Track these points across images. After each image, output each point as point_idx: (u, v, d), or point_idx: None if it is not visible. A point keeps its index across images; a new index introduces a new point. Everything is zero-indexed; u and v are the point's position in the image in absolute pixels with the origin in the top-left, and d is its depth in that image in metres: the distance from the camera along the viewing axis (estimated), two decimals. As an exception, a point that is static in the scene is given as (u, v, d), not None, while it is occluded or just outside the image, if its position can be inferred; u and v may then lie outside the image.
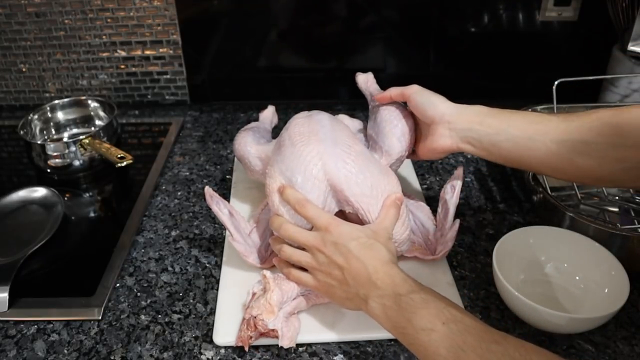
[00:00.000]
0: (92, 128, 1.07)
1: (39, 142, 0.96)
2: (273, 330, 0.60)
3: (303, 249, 0.64)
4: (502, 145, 0.65)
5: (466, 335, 0.49)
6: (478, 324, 0.51)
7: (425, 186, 0.91)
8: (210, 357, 0.63)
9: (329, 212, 0.66)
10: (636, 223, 0.79)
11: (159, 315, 0.68)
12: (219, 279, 0.72)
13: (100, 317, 0.68)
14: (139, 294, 0.72)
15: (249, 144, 0.80)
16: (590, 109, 0.63)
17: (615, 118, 0.59)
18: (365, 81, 0.85)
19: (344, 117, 0.86)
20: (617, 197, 0.84)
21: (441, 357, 0.49)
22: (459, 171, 0.73)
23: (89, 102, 1.07)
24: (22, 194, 0.87)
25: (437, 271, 0.72)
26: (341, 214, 0.68)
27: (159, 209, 0.88)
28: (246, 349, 0.62)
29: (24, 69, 1.17)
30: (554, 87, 0.83)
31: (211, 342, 0.64)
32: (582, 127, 0.60)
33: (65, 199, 0.90)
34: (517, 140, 0.64)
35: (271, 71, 1.17)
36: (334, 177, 0.64)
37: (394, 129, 0.73)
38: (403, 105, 0.76)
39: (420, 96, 0.70)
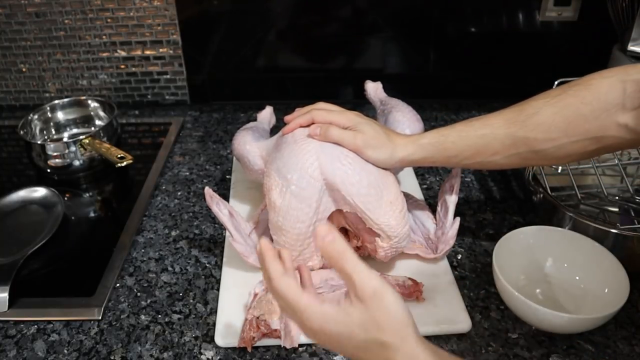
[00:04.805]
0: (92, 128, 1.07)
1: (39, 142, 0.96)
2: (276, 330, 0.60)
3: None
4: (459, 164, 0.68)
5: None
6: None
7: (425, 186, 0.91)
8: (210, 357, 0.63)
9: (325, 211, 0.66)
10: (636, 223, 0.79)
11: (159, 315, 0.68)
12: (219, 279, 0.72)
13: (100, 317, 0.68)
14: (139, 294, 0.72)
15: (249, 143, 0.80)
16: None
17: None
18: (375, 89, 0.93)
19: None
20: (617, 197, 0.84)
21: None
22: (457, 169, 0.74)
23: (89, 102, 1.07)
24: (22, 194, 0.87)
25: (439, 271, 0.72)
26: (339, 214, 0.68)
27: (159, 209, 0.88)
28: (249, 349, 0.62)
29: (24, 69, 1.17)
30: (553, 87, 0.83)
31: (211, 342, 0.64)
32: (528, 138, 0.62)
33: (65, 199, 0.90)
34: (467, 162, 0.66)
35: (271, 71, 1.17)
36: (329, 176, 0.65)
37: (405, 130, 0.77)
38: (414, 110, 0.82)
39: (370, 151, 0.67)
